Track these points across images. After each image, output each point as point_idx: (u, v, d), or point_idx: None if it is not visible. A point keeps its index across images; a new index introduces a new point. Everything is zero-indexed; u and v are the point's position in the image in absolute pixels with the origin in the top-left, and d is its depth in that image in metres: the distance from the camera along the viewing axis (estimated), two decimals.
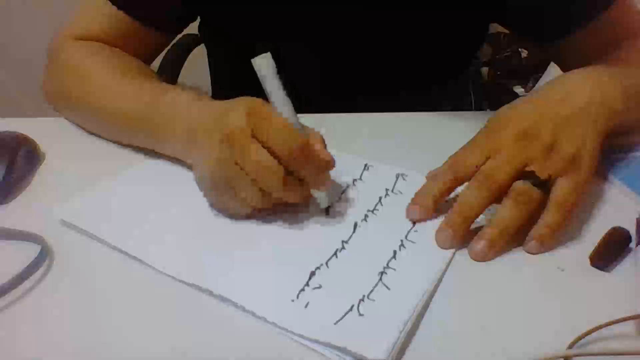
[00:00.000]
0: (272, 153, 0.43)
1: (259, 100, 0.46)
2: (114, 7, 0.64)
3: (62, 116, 0.63)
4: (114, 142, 0.59)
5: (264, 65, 0.45)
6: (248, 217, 0.48)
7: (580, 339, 0.36)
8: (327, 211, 0.48)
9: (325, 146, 0.48)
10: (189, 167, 0.52)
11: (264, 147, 0.43)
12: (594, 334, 0.37)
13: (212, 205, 0.49)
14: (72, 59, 0.63)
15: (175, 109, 0.52)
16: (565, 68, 0.70)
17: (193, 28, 0.92)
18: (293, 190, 0.45)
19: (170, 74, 1.04)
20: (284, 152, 0.43)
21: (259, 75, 0.45)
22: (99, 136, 0.60)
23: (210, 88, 0.92)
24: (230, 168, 0.44)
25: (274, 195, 0.45)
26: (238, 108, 0.45)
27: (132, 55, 0.65)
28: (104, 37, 0.65)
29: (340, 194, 0.51)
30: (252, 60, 0.44)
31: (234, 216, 0.48)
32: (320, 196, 0.48)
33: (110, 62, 0.61)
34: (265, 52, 0.45)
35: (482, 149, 0.48)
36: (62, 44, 0.65)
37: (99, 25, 0.65)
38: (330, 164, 0.47)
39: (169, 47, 1.07)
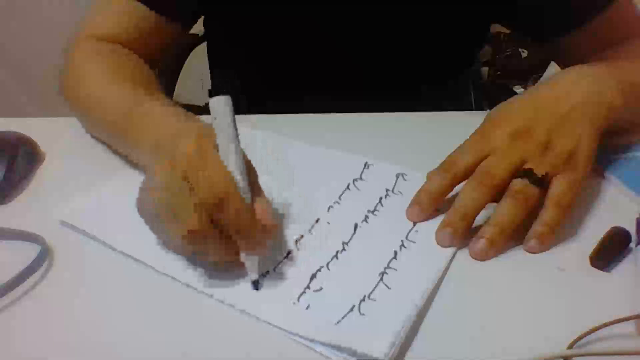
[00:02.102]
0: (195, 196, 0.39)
1: (206, 140, 0.42)
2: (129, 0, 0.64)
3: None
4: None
5: (219, 107, 0.41)
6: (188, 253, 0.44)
7: (580, 339, 0.36)
8: (256, 285, 0.41)
9: (273, 222, 0.42)
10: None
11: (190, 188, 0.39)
12: (594, 334, 0.37)
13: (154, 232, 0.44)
14: (76, 60, 0.63)
15: (146, 121, 0.50)
16: (564, 66, 0.70)
17: (193, 28, 0.92)
18: (211, 244, 0.40)
19: (170, 74, 1.04)
20: (203, 196, 0.39)
21: (213, 115, 0.41)
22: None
23: (210, 88, 0.92)
24: (159, 204, 0.40)
25: (193, 242, 0.40)
26: (183, 143, 0.41)
27: (147, 49, 0.65)
28: (119, 33, 0.65)
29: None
30: (210, 100, 0.41)
31: (170, 249, 0.44)
32: (249, 263, 0.41)
33: (108, 67, 0.61)
34: (228, 90, 0.41)
35: (479, 147, 0.48)
36: (76, 43, 0.65)
37: (115, 20, 0.65)
38: (267, 229, 0.41)
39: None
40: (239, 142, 0.41)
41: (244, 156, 0.42)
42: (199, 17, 0.74)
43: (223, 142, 0.41)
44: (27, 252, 0.43)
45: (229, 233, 0.40)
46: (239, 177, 0.41)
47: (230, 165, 0.40)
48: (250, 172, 0.43)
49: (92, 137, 0.61)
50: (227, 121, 0.41)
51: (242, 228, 0.40)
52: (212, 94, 0.41)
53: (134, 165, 0.54)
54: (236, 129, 0.41)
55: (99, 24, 0.65)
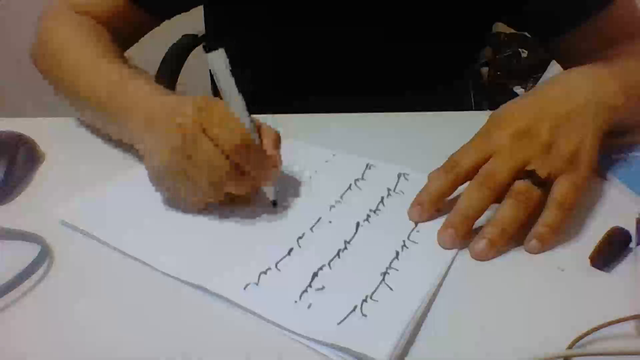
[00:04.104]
0: (219, 147, 0.45)
1: (214, 98, 0.48)
2: None
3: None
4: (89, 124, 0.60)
5: (217, 61, 0.46)
6: (201, 210, 0.49)
7: (580, 339, 0.36)
8: (274, 204, 0.50)
9: (278, 144, 0.50)
10: (140, 156, 0.52)
11: (212, 141, 0.45)
12: (594, 334, 0.37)
13: (165, 198, 0.50)
14: (58, 30, 0.63)
15: (138, 95, 0.53)
16: (566, 65, 0.70)
17: (193, 28, 0.92)
18: (238, 184, 0.47)
19: (170, 74, 1.04)
20: (228, 147, 0.45)
21: (212, 71, 0.46)
22: (100, 137, 0.60)
23: (210, 88, 0.92)
24: (181, 158, 0.45)
25: (220, 187, 0.46)
26: (191, 102, 0.47)
27: (118, 32, 0.66)
28: (94, 9, 0.65)
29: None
30: (206, 56, 0.46)
31: (187, 209, 0.49)
32: (268, 190, 0.49)
33: (92, 39, 0.61)
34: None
35: (482, 148, 0.48)
36: (52, 12, 0.65)
37: None
38: (274, 161, 0.48)
39: (169, 47, 1.07)
40: (239, 90, 0.46)
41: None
42: (175, 13, 0.73)
43: (226, 91, 0.46)
44: (27, 252, 0.43)
45: (247, 170, 0.46)
46: (247, 121, 0.47)
47: (237, 112, 0.46)
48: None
49: (91, 135, 0.61)
50: (226, 72, 0.46)
51: (259, 166, 0.47)
52: (207, 49, 0.46)
53: (124, 147, 0.57)
54: (233, 78, 0.46)
55: None
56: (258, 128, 0.49)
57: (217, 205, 0.49)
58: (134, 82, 0.54)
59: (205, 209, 0.49)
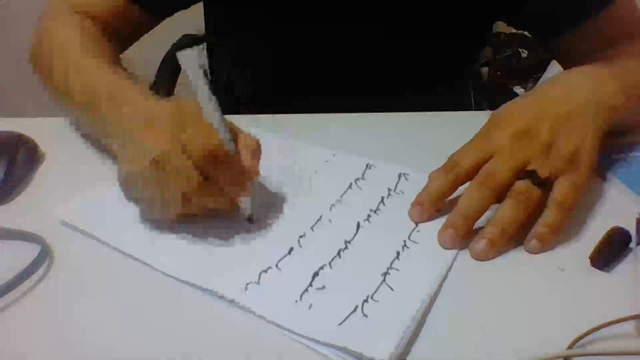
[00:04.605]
0: (189, 157, 0.42)
1: (189, 102, 0.44)
2: None
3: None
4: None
5: (189, 60, 0.42)
6: (175, 222, 0.46)
7: (580, 339, 0.36)
8: (251, 219, 0.46)
9: (257, 154, 0.46)
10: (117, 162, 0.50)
11: (182, 150, 0.42)
12: (594, 334, 0.37)
13: (137, 206, 0.47)
14: (58, 30, 0.63)
15: (121, 99, 0.51)
16: (566, 65, 0.70)
17: (193, 28, 0.92)
18: (210, 197, 0.44)
19: (170, 74, 1.04)
20: (197, 158, 0.42)
21: (183, 71, 0.43)
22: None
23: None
24: (151, 166, 0.43)
25: (191, 200, 0.43)
26: (164, 109, 0.45)
27: (118, 32, 0.66)
28: (94, 9, 0.65)
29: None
30: (178, 54, 0.42)
31: (160, 220, 0.47)
32: (243, 205, 0.45)
33: (84, 41, 0.60)
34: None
35: (482, 148, 0.48)
36: (52, 12, 0.65)
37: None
38: (251, 172, 0.45)
39: (169, 47, 1.07)
40: (213, 94, 0.43)
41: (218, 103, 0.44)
42: (174, 11, 0.73)
43: (199, 96, 0.42)
44: (27, 252, 0.43)
45: (220, 184, 0.44)
46: (221, 129, 0.43)
47: (210, 119, 0.43)
48: (225, 118, 0.45)
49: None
50: (199, 74, 0.42)
51: (233, 179, 0.44)
52: (174, 49, 0.42)
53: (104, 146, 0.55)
54: (208, 82, 0.42)
55: None
56: (236, 136, 0.46)
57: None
58: (120, 86, 0.53)
59: (180, 222, 0.46)
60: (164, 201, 0.44)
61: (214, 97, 0.43)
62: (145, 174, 0.43)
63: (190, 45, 1.13)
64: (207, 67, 0.43)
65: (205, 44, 0.43)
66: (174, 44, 1.07)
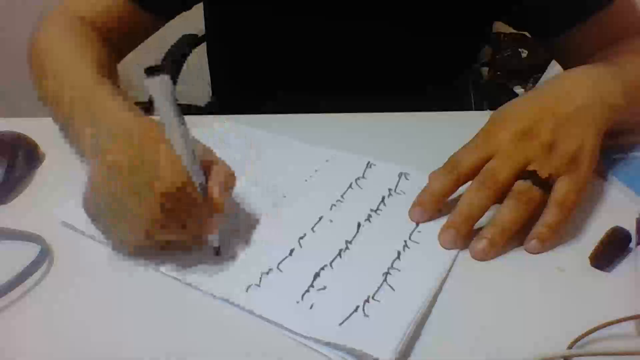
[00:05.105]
0: (150, 190, 0.39)
1: (154, 128, 0.41)
2: None
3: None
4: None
5: (157, 87, 0.37)
6: (137, 252, 0.44)
7: (580, 339, 0.36)
8: (217, 251, 0.44)
9: (229, 186, 0.44)
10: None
11: (145, 181, 0.39)
12: (594, 334, 0.37)
13: (96, 227, 0.44)
14: (49, 33, 0.63)
15: (99, 113, 0.49)
16: (565, 65, 0.70)
17: (193, 28, 0.92)
18: (172, 233, 0.41)
19: (170, 74, 1.04)
20: (159, 193, 0.39)
21: (151, 98, 0.38)
22: None
23: (210, 88, 0.92)
24: (111, 196, 0.40)
25: (150, 235, 0.41)
26: (138, 124, 0.42)
27: (118, 35, 0.66)
28: (95, 15, 0.65)
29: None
30: (145, 81, 0.37)
31: (119, 249, 0.44)
32: (210, 237, 0.43)
33: (77, 46, 0.60)
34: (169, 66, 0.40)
35: (483, 148, 0.48)
36: (50, 16, 0.65)
37: (93, 2, 0.65)
38: (218, 207, 0.42)
39: (169, 47, 1.07)
40: (183, 122, 0.39)
41: (189, 134, 0.40)
42: (178, 12, 0.73)
43: (167, 124, 0.39)
44: (27, 252, 0.43)
45: (182, 222, 0.41)
46: (189, 160, 0.40)
47: (178, 149, 0.39)
48: (201, 148, 0.43)
49: None
50: (168, 101, 0.38)
51: (198, 214, 0.41)
52: (148, 72, 0.37)
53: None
54: (178, 109, 0.38)
55: (77, 3, 0.66)
56: (210, 165, 0.43)
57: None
58: (96, 95, 0.51)
59: (142, 252, 0.44)
60: (122, 230, 0.42)
61: (185, 127, 0.39)
62: (105, 201, 0.41)
63: (190, 45, 1.13)
64: (175, 95, 0.38)
65: (169, 75, 0.38)
66: (174, 44, 1.07)
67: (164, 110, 0.38)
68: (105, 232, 0.43)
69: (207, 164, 0.43)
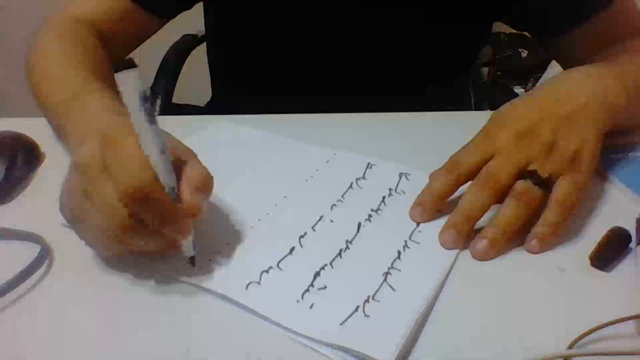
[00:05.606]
0: (117, 192, 0.37)
1: (124, 128, 0.38)
2: None
3: None
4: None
5: (127, 82, 0.36)
6: (112, 256, 0.43)
7: (580, 339, 0.36)
8: (192, 261, 0.42)
9: (204, 188, 0.40)
10: None
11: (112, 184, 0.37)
12: (594, 334, 0.37)
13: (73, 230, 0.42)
14: (43, 39, 0.64)
15: (79, 115, 0.49)
16: (566, 65, 0.70)
17: (193, 28, 0.92)
18: (140, 238, 0.39)
19: (170, 74, 1.04)
20: (121, 191, 0.36)
21: (122, 95, 0.37)
22: None
23: (210, 88, 0.92)
24: (78, 200, 0.39)
25: (117, 240, 0.39)
26: (112, 123, 0.41)
27: (121, 36, 0.66)
28: (97, 17, 0.65)
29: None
30: (116, 76, 0.36)
31: (100, 252, 0.43)
32: (184, 245, 0.41)
33: (67, 52, 0.60)
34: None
35: (483, 148, 0.48)
36: (49, 21, 0.65)
37: (94, 4, 0.66)
38: (192, 211, 0.39)
39: (169, 47, 1.07)
40: (153, 119, 0.37)
41: (162, 132, 0.38)
42: (179, 12, 0.73)
43: (137, 124, 0.37)
44: (27, 252, 0.43)
45: (151, 226, 0.38)
46: (159, 160, 0.37)
47: (147, 150, 0.37)
48: (181, 148, 0.41)
49: None
50: (134, 99, 0.36)
51: (166, 218, 0.38)
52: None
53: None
54: (152, 107, 0.37)
55: (79, 5, 0.66)
56: (181, 166, 0.40)
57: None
58: (83, 97, 0.50)
59: (118, 255, 0.42)
60: (92, 234, 0.40)
61: (155, 125, 0.37)
62: (73, 206, 0.39)
63: (190, 45, 1.14)
64: (147, 91, 0.36)
65: (139, 69, 0.36)
66: (174, 44, 1.08)
67: (132, 107, 0.36)
68: (80, 236, 0.41)
69: (180, 163, 0.40)
